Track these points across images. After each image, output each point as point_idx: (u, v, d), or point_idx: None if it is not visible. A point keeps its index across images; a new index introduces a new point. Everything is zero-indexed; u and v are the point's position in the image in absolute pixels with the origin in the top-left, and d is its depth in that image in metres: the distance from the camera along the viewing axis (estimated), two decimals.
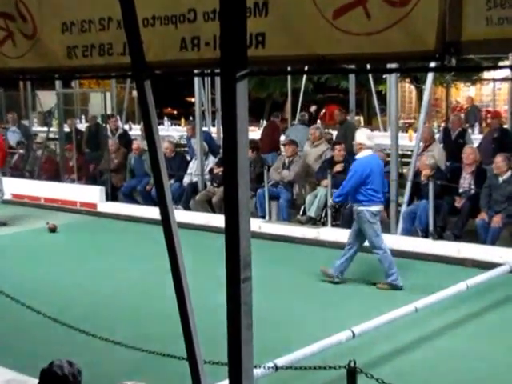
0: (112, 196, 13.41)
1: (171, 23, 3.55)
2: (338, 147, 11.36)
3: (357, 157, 8.11)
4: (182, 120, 23.32)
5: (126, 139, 15.14)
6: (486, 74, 26.03)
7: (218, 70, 3.09)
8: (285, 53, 3.25)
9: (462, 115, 16.99)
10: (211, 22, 3.38)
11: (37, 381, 3.46)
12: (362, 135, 8.10)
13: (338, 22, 3.01)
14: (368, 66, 9.50)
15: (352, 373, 3.99)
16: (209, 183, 12.53)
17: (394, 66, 8.17)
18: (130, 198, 13.36)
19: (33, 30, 4.09)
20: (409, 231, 9.97)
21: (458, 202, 9.77)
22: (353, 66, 8.69)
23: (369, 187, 7.83)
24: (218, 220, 10.50)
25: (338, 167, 11.07)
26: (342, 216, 10.83)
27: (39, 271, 9.09)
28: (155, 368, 5.50)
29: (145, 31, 3.44)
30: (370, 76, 19.20)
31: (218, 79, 15.14)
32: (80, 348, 5.71)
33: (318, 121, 20.37)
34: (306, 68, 5.84)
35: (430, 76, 10.59)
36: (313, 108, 21.88)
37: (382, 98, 22.98)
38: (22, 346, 6.35)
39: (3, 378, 5.11)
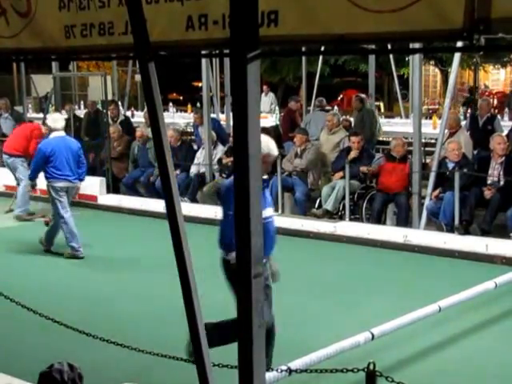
0: (113, 187, 13.43)
1: (177, 0, 3.54)
2: (354, 139, 11.32)
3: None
4: (189, 106, 23.31)
5: (127, 126, 15.15)
6: None
7: (227, 51, 3.08)
8: (299, 32, 3.24)
9: (492, 100, 16.85)
10: None
11: None
12: (49, 119, 10.13)
13: None
14: (389, 46, 9.46)
15: (371, 376, 3.98)
16: (217, 174, 12.54)
17: (417, 45, 8.13)
18: (133, 190, 13.38)
19: (27, 7, 4.09)
20: (433, 225, 9.96)
21: (487, 194, 9.72)
22: (373, 46, 8.66)
23: (52, 165, 9.52)
24: None
25: (353, 154, 11.09)
26: (360, 210, 10.84)
27: (34, 270, 9.14)
28: (161, 372, 5.52)
29: (148, 9, 3.43)
30: (392, 58, 19.11)
31: (227, 61, 15.13)
32: (80, 349, 5.75)
33: (335, 107, 20.29)
34: (322, 48, 5.81)
35: (457, 57, 10.51)
36: None
37: (404, 83, 22.94)
38: (19, 348, 6.39)
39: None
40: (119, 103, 20.39)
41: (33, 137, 12.33)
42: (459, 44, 3.20)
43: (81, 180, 9.99)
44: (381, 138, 14.57)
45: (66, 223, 9.50)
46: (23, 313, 5.97)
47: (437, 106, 25.72)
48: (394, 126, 17.18)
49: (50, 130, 9.98)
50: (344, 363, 4.71)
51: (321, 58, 18.75)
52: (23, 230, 11.37)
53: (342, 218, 10.75)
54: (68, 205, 9.66)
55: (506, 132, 11.86)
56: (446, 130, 10.78)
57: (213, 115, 14.98)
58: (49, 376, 3.31)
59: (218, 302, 5.90)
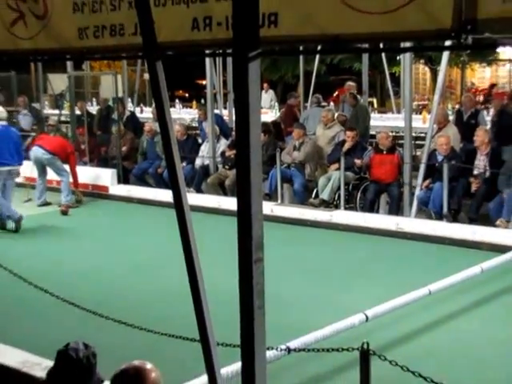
0: (124, 179, 13.44)
1: (183, 3, 3.54)
2: (349, 134, 11.30)
3: None
4: (194, 102, 23.28)
5: (133, 122, 15.13)
6: (503, 55, 25.75)
7: (230, 51, 3.08)
8: (297, 32, 3.24)
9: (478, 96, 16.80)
10: (223, 2, 3.37)
11: (51, 362, 3.50)
12: None
13: (351, 0, 2.99)
14: (381, 46, 9.46)
15: (365, 355, 3.99)
16: (220, 166, 12.55)
17: (408, 45, 8.11)
18: (142, 181, 13.40)
19: (44, 11, 4.10)
20: (423, 214, 9.96)
21: (474, 185, 9.73)
22: (366, 46, 8.63)
23: None
24: (230, 202, 10.56)
25: (347, 145, 11.09)
26: (355, 199, 10.85)
27: (52, 253, 9.16)
28: (168, 350, 5.53)
29: (156, 11, 3.42)
30: (384, 57, 19.06)
31: (229, 61, 15.11)
32: (93, 330, 5.76)
33: (331, 103, 20.24)
34: (318, 48, 5.80)
35: (445, 56, 10.48)
36: None
37: (396, 80, 22.87)
38: (37, 328, 6.41)
39: (18, 360, 5.16)
40: (129, 100, 20.38)
41: (69, 158, 12.09)
42: (447, 43, 3.20)
43: (19, 164, 10.62)
44: (373, 132, 14.54)
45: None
46: (41, 296, 6.00)
47: (426, 102, 25.64)
48: (386, 121, 17.19)
49: None
50: (340, 343, 4.72)
51: (317, 57, 18.69)
52: (43, 217, 11.37)
53: (337, 207, 10.74)
54: (10, 186, 10.37)
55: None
56: (435, 125, 10.76)
57: (216, 111, 14.97)
58: (65, 354, 3.34)
59: (221, 287, 5.91)
